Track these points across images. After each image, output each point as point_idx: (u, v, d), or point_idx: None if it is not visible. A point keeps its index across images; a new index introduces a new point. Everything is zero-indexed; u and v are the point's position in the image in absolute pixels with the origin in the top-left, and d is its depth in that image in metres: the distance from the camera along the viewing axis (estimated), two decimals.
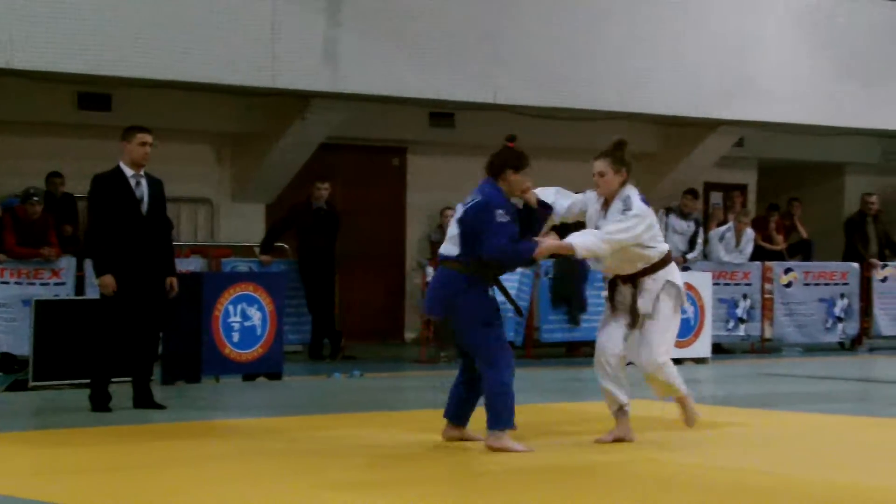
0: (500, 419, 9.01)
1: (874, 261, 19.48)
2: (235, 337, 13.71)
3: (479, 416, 9.20)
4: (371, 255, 19.16)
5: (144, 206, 11.13)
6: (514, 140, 9.58)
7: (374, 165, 19.60)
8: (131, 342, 11.12)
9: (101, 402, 11.12)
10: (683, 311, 16.32)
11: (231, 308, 13.66)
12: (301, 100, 17.22)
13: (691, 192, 18.37)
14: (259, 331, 13.86)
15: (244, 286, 13.85)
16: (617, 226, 9.20)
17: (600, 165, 9.46)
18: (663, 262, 9.37)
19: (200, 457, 9.02)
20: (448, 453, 9.10)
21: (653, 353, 9.28)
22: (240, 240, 17.89)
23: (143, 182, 11.17)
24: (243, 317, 13.79)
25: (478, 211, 9.20)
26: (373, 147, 19.45)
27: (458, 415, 9.35)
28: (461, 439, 9.31)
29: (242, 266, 15.78)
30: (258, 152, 18.05)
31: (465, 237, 9.17)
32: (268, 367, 13.91)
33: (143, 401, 11.24)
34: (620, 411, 9.40)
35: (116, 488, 7.80)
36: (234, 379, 13.76)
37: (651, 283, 9.32)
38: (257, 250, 16.64)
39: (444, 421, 9.37)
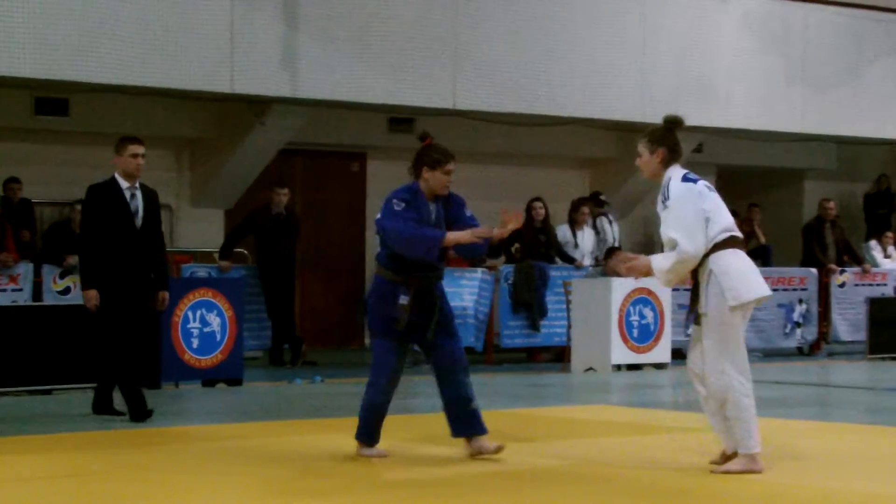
0: (357, 430, 9.01)
1: (832, 266, 19.57)
2: (195, 343, 13.66)
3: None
4: (331, 260, 19.13)
5: (139, 220, 11.05)
6: (429, 138, 9.20)
7: (333, 171, 19.57)
8: (127, 351, 11.04)
9: (104, 407, 11.17)
10: (643, 317, 16.57)
11: (190, 314, 13.61)
12: (260, 105, 17.18)
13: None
14: (219, 336, 13.81)
15: (203, 292, 13.80)
16: (664, 260, 8.46)
17: (638, 147, 8.76)
18: (714, 249, 8.42)
19: (156, 463, 8.97)
20: (406, 460, 9.07)
21: (712, 371, 8.52)
22: (199, 245, 17.82)
23: (139, 194, 11.09)
24: (203, 322, 13.74)
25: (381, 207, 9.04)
26: (332, 152, 19.42)
27: (460, 429, 9.05)
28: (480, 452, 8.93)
29: (202, 272, 15.73)
30: (217, 158, 17.99)
31: (380, 236, 9.01)
32: (228, 373, 13.86)
33: (103, 407, 11.21)
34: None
35: (67, 496, 7.74)
36: (193, 385, 13.71)
37: (702, 273, 8.47)
38: (216, 256, 16.58)
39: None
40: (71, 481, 8.23)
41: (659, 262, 8.49)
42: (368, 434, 9.02)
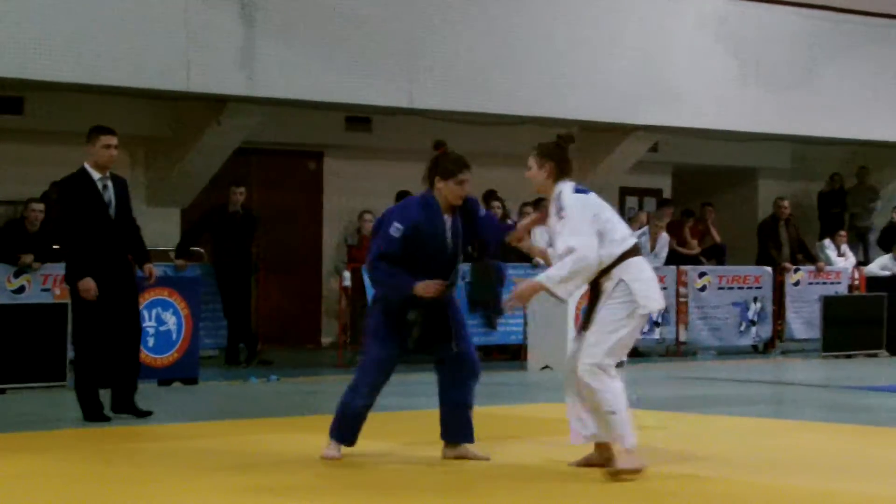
0: (331, 425, 8.88)
1: (787, 265, 19.68)
2: (150, 341, 13.60)
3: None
4: (287, 259, 19.08)
5: (112, 210, 10.94)
6: (443, 146, 9.03)
7: (290, 169, 19.53)
8: (107, 347, 10.89)
9: (93, 412, 10.88)
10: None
11: (146, 312, 13.55)
12: (216, 104, 17.12)
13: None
14: (174, 335, 13.76)
15: (159, 291, 13.75)
16: (557, 270, 8.30)
17: (529, 160, 8.79)
18: (621, 258, 8.38)
19: (109, 464, 8.93)
20: (364, 460, 9.07)
21: (585, 354, 8.36)
22: (155, 244, 17.70)
23: (110, 185, 10.98)
24: (158, 321, 13.69)
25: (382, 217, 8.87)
26: (289, 151, 19.38)
27: (454, 433, 8.91)
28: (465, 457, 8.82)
29: (158, 270, 15.59)
30: (173, 156, 17.92)
31: None
32: (183, 372, 13.82)
33: (126, 407, 11.02)
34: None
35: (18, 498, 7.69)
36: (149, 384, 13.63)
37: (607, 283, 8.39)
38: (173, 255, 16.51)
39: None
40: (22, 482, 8.18)
41: (552, 273, 8.33)
42: (340, 432, 8.84)
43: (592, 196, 8.56)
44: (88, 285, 10.73)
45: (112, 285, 10.85)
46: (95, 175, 10.93)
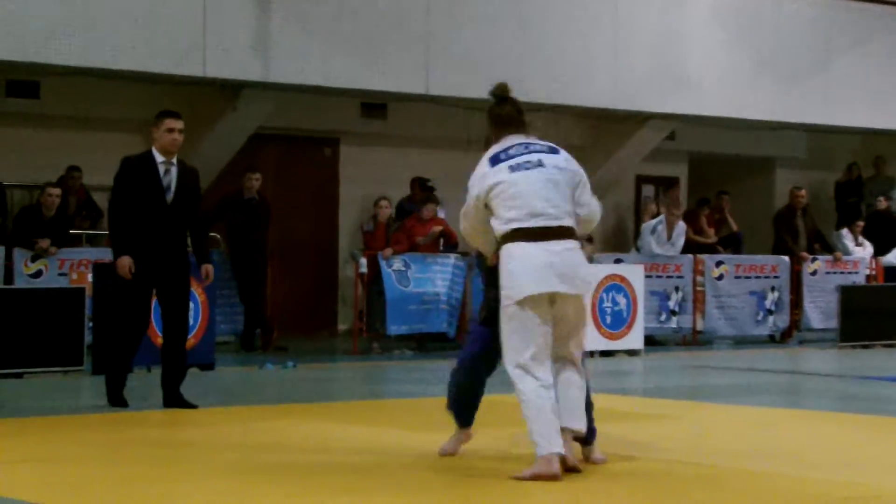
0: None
1: (804, 254, 19.62)
2: None
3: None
4: (303, 246, 19.08)
5: (170, 195, 10.68)
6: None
7: (306, 156, 19.51)
8: (143, 333, 10.75)
9: (117, 396, 10.73)
10: (616, 303, 16.60)
11: None
12: (231, 90, 17.11)
13: None
14: (191, 321, 13.74)
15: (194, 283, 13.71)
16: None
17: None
18: (503, 239, 7.89)
19: (126, 448, 8.93)
20: (377, 446, 9.06)
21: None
22: None
23: (174, 170, 10.74)
24: None
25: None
26: (305, 138, 19.37)
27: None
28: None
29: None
30: (188, 143, 17.66)
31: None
32: (199, 358, 13.80)
33: (174, 400, 10.81)
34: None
35: (37, 480, 7.69)
36: None
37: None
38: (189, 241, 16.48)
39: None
40: (41, 466, 8.18)
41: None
42: (457, 412, 8.55)
43: (499, 167, 8.09)
44: (124, 262, 10.53)
45: (160, 271, 10.64)
46: (159, 158, 10.70)
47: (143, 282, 10.61)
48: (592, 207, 8.24)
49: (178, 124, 10.80)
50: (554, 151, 8.32)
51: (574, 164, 8.31)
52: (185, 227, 10.84)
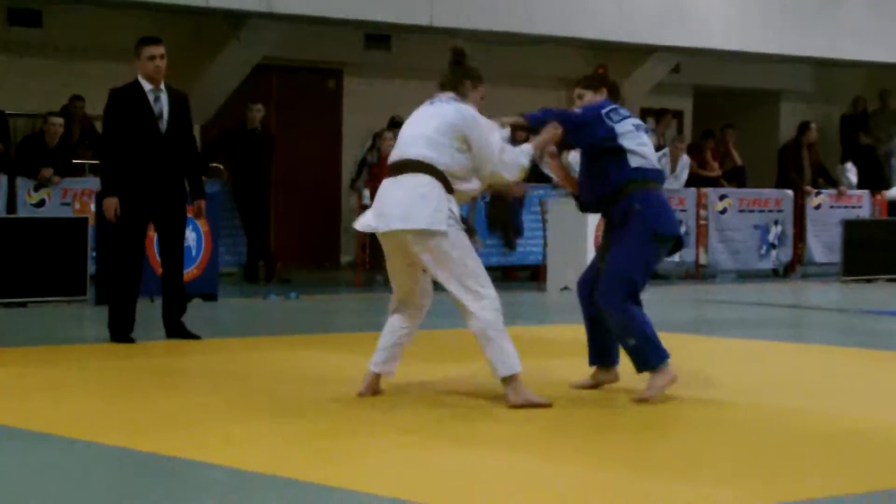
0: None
1: (808, 188, 19.58)
2: None
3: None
4: (306, 177, 19.05)
5: (164, 123, 10.47)
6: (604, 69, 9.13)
7: (309, 88, 19.44)
8: (139, 263, 10.56)
9: (120, 332, 10.50)
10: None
11: None
12: (235, 20, 17.02)
13: None
14: (194, 252, 13.76)
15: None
16: None
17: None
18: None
19: (129, 378, 8.97)
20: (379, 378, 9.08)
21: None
22: None
23: (163, 97, 10.52)
24: None
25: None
26: (308, 69, 19.29)
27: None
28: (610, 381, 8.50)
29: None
30: (191, 74, 17.82)
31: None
32: (203, 289, 13.83)
33: (176, 330, 10.69)
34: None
35: (41, 409, 7.72)
36: None
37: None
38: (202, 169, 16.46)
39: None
40: (45, 395, 8.22)
41: None
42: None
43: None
44: (110, 204, 10.37)
45: (156, 202, 10.48)
46: (147, 86, 10.49)
47: (138, 214, 10.45)
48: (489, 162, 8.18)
49: (159, 50, 10.55)
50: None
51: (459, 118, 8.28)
52: (180, 155, 10.62)
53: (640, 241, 8.17)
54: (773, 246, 19.06)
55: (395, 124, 18.28)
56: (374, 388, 8.18)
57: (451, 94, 8.43)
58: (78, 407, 7.83)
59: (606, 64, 9.32)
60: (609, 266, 8.27)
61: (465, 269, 7.90)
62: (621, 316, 8.19)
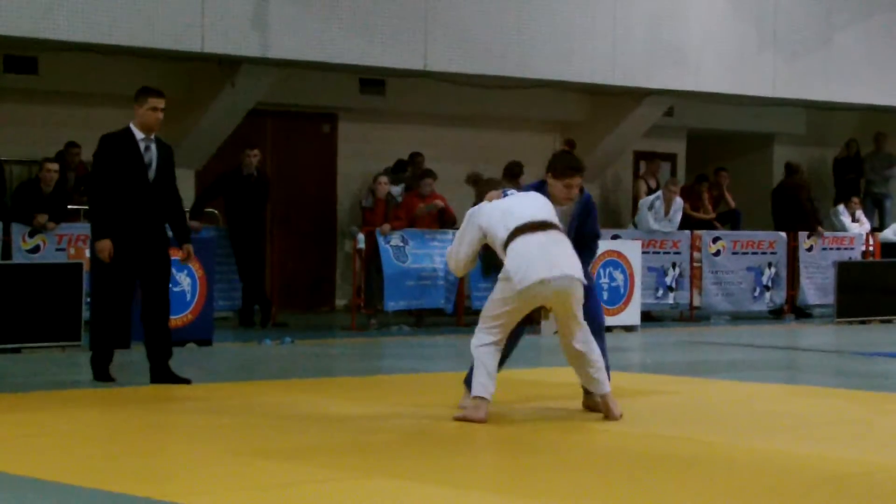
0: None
1: (819, 228, 19.66)
2: None
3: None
4: (302, 222, 19.09)
5: (152, 172, 10.72)
6: (573, 145, 9.84)
7: (304, 132, 19.50)
8: (125, 309, 10.77)
9: (101, 372, 10.77)
10: (613, 279, 16.65)
11: None
12: (230, 65, 17.09)
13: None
14: (189, 297, 13.78)
15: (174, 252, 13.72)
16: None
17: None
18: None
19: (124, 423, 8.96)
20: (379, 420, 9.09)
21: None
22: None
23: (153, 147, 10.77)
24: (173, 283, 13.66)
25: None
26: (303, 113, 19.36)
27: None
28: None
29: (170, 232, 15.63)
30: (187, 118, 17.89)
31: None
32: (198, 334, 13.84)
33: (162, 375, 10.82)
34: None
35: (35, 455, 7.71)
36: None
37: None
38: (187, 216, 16.49)
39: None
40: (39, 441, 8.21)
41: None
42: None
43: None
44: (104, 245, 10.57)
45: (142, 248, 10.69)
46: (139, 135, 10.72)
47: (125, 260, 10.64)
48: None
49: (162, 102, 10.82)
50: None
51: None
52: (165, 205, 10.87)
53: None
54: (766, 288, 19.10)
55: (401, 168, 18.39)
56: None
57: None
58: (72, 453, 7.82)
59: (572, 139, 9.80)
60: None
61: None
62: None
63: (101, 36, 15.52)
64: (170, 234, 11.06)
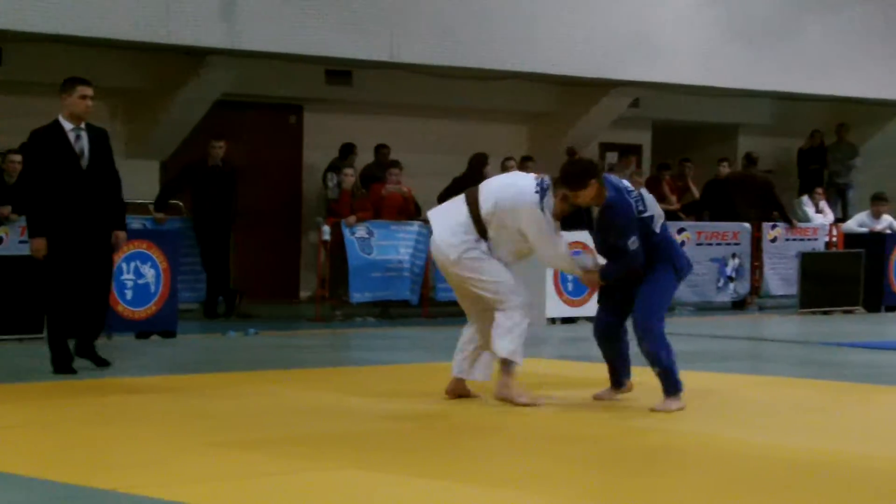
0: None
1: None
2: (129, 294, 13.60)
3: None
4: (267, 213, 19.06)
5: (85, 161, 10.78)
6: (575, 153, 9.87)
7: (270, 123, 19.48)
8: (76, 300, 10.82)
9: (62, 364, 10.82)
10: None
11: (124, 265, 13.55)
12: (196, 56, 17.06)
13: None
14: (153, 288, 13.76)
15: (138, 244, 13.73)
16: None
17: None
18: None
19: (89, 416, 8.95)
20: (345, 411, 9.11)
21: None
22: (134, 197, 17.66)
23: (84, 135, 10.82)
24: (137, 274, 13.67)
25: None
26: (269, 104, 19.33)
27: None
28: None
29: (136, 223, 15.62)
30: (153, 109, 17.86)
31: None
32: (162, 325, 13.82)
33: (86, 352, 10.97)
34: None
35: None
36: (127, 337, 13.66)
37: None
38: (152, 208, 16.49)
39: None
40: (1, 433, 8.19)
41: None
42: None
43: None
44: (38, 245, 10.68)
45: (83, 236, 10.75)
46: (68, 126, 10.80)
47: (68, 252, 10.69)
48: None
49: (91, 91, 10.88)
50: None
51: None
52: (103, 190, 10.90)
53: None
54: (730, 279, 19.17)
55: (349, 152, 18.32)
56: None
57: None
58: (33, 445, 7.81)
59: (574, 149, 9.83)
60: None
61: None
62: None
63: (66, 27, 15.47)
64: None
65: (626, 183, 9.43)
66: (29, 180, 10.92)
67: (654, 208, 9.43)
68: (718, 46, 20.45)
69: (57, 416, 8.93)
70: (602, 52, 19.41)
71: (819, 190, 21.25)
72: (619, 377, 9.65)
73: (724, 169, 20.25)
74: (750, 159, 20.38)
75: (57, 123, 10.84)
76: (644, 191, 9.58)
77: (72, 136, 10.81)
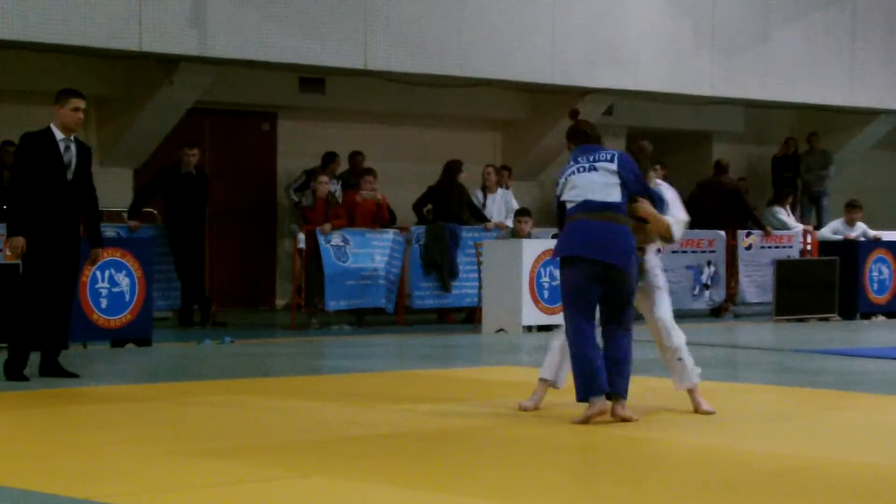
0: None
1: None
2: (103, 303, 13.54)
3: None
4: (241, 220, 19.02)
5: (70, 172, 10.89)
6: (577, 114, 10.03)
7: (243, 130, 19.44)
8: (46, 310, 10.84)
9: (15, 371, 10.83)
10: (553, 278, 16.71)
11: (99, 274, 13.49)
12: (168, 63, 17.01)
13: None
14: (127, 297, 13.70)
15: (112, 252, 13.66)
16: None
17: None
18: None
19: (62, 424, 8.90)
20: (319, 419, 9.07)
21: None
22: (107, 205, 17.58)
23: (73, 147, 10.94)
24: (111, 283, 13.61)
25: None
26: (242, 112, 19.29)
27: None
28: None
29: (110, 231, 15.56)
30: (126, 116, 17.81)
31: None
32: (136, 333, 13.77)
33: (51, 369, 10.98)
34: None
35: None
36: (102, 345, 13.60)
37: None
38: (125, 216, 16.43)
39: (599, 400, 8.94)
40: None
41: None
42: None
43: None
44: (16, 243, 10.73)
45: (57, 247, 10.82)
46: (59, 135, 10.89)
47: (42, 259, 10.75)
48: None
49: (83, 104, 10.98)
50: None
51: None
52: (81, 205, 11.02)
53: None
54: (706, 286, 19.19)
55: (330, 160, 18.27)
56: None
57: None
58: (5, 455, 7.75)
59: (577, 108, 9.83)
60: None
61: None
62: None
63: (37, 34, 15.41)
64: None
65: None
66: (15, 182, 10.95)
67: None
68: (689, 54, 20.49)
69: (30, 426, 8.87)
70: (574, 61, 19.43)
71: (788, 198, 21.27)
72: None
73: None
74: (719, 166, 20.40)
75: (49, 131, 10.93)
76: None
77: (62, 146, 10.89)
